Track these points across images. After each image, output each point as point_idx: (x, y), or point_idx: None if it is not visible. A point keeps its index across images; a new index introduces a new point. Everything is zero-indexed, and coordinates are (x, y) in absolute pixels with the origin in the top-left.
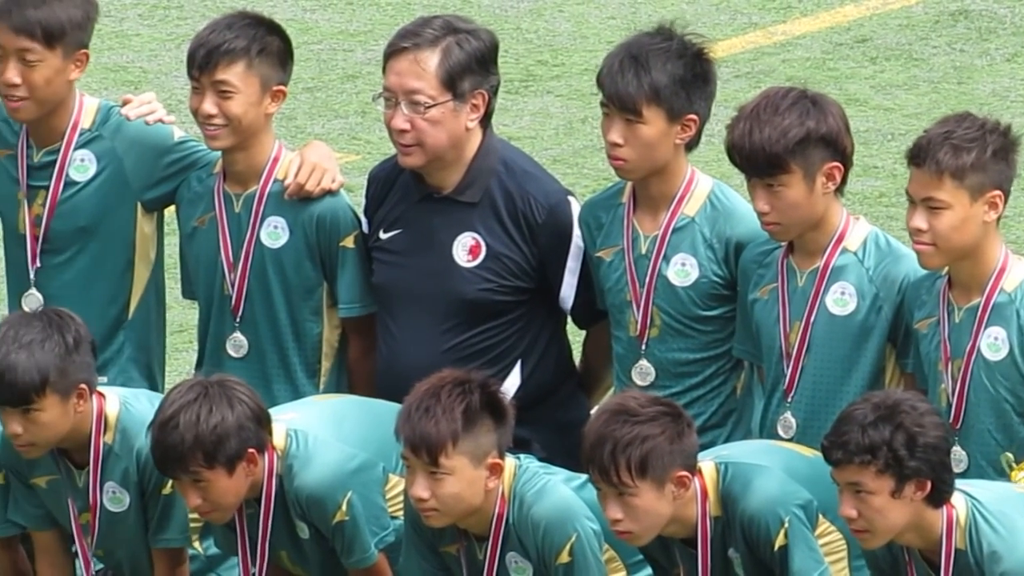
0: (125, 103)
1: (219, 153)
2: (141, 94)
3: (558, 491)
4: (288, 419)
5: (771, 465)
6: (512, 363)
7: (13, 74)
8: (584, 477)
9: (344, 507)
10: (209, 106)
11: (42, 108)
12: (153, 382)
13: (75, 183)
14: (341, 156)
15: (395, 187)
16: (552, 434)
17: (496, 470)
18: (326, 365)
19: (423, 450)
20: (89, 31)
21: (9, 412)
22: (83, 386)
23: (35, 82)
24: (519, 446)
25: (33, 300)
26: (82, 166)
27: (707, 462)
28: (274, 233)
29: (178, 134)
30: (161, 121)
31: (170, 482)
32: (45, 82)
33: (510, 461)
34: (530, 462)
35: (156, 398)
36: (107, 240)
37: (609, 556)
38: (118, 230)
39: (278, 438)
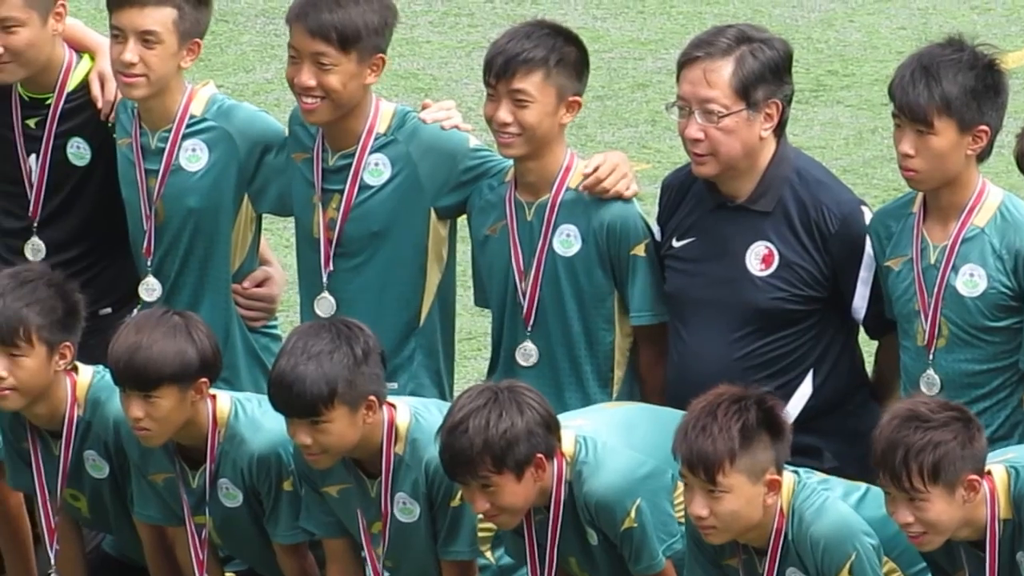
0: (424, 107)
1: (511, 162)
2: (441, 100)
3: (837, 509)
4: (577, 426)
5: None
6: (804, 372)
7: (308, 77)
8: (863, 489)
9: (633, 513)
10: (504, 114)
11: (336, 111)
12: (442, 389)
13: (369, 187)
14: (631, 165)
15: (689, 195)
16: (843, 443)
17: (774, 486)
18: (619, 373)
19: (700, 468)
20: (386, 36)
21: (298, 423)
22: (372, 397)
23: (329, 85)
24: (810, 454)
25: (326, 304)
26: (376, 170)
27: (996, 465)
28: (566, 241)
29: (473, 142)
30: (457, 128)
31: (459, 494)
32: (340, 86)
33: (788, 476)
34: (809, 477)
35: (447, 408)
36: (400, 245)
37: (889, 568)
38: (411, 235)
39: (567, 444)
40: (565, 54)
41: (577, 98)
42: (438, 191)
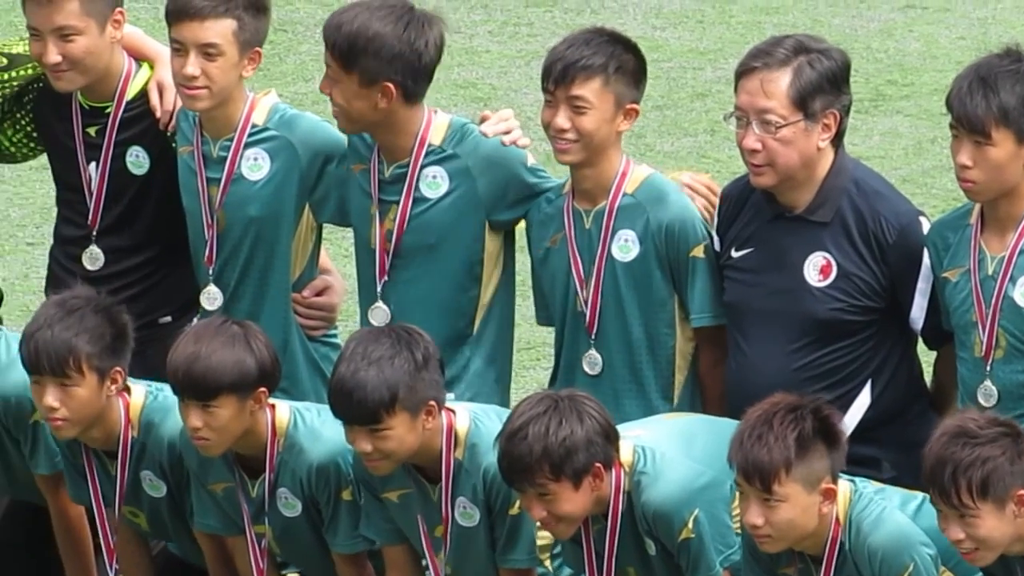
0: (483, 120)
1: (567, 179)
2: (500, 111)
3: (895, 519)
4: (635, 436)
5: None
6: (862, 383)
7: (323, 84)
8: (920, 498)
9: (690, 524)
10: (562, 120)
11: (351, 124)
12: (501, 399)
13: (426, 200)
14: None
15: (747, 206)
16: (901, 453)
17: (830, 495)
18: (680, 378)
19: (756, 477)
20: (400, 69)
21: (358, 430)
22: (432, 403)
23: (335, 99)
24: (868, 465)
25: (380, 313)
26: (434, 183)
27: None
28: (625, 246)
29: (531, 160)
30: (516, 144)
31: (518, 502)
32: (343, 101)
33: (844, 485)
34: (865, 487)
35: (506, 414)
36: (455, 256)
37: None
38: (467, 247)
39: (625, 454)
40: (624, 61)
41: (635, 106)
42: (494, 206)
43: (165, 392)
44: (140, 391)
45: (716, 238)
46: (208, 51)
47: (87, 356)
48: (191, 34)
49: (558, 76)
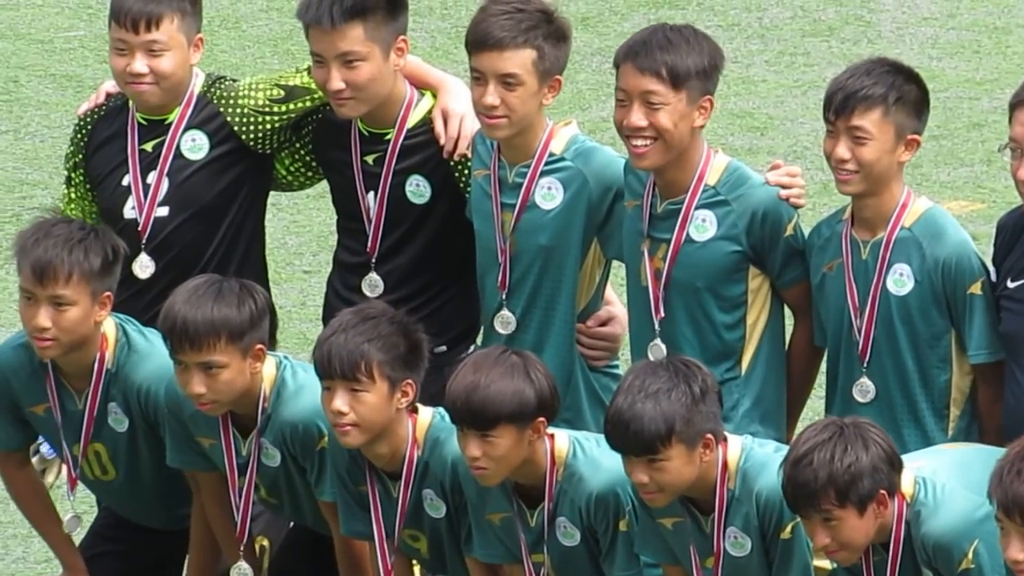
0: (773, 167)
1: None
2: (790, 165)
3: None
4: (916, 466)
5: None
6: None
7: (638, 117)
8: None
9: (970, 555)
10: (843, 151)
11: (666, 154)
12: (768, 435)
13: (693, 241)
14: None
15: (1023, 236)
16: None
17: None
18: (955, 412)
19: (1016, 513)
20: (714, 79)
21: (635, 461)
22: (709, 436)
23: (660, 125)
24: None
25: (658, 351)
26: (702, 226)
27: None
28: (899, 280)
29: (794, 220)
30: (790, 200)
31: (789, 526)
32: (670, 124)
33: None
34: None
35: (780, 448)
36: (722, 296)
37: None
38: (733, 287)
39: (906, 485)
40: (905, 92)
41: (916, 137)
42: (755, 251)
43: None
44: (428, 411)
45: (992, 268)
46: (507, 81)
47: (379, 363)
48: (490, 64)
49: (839, 106)
